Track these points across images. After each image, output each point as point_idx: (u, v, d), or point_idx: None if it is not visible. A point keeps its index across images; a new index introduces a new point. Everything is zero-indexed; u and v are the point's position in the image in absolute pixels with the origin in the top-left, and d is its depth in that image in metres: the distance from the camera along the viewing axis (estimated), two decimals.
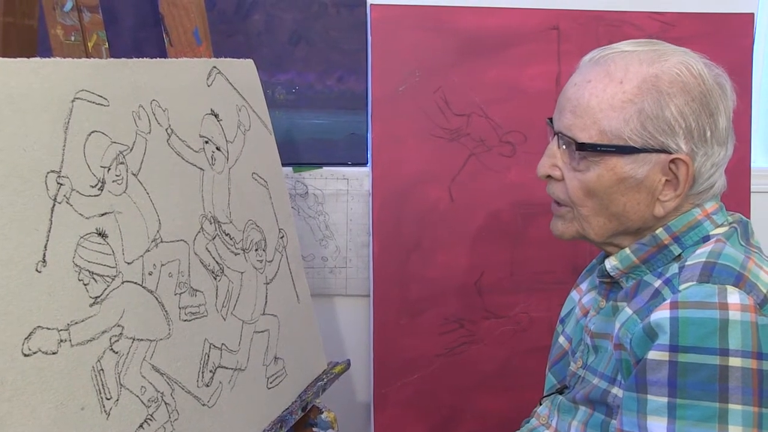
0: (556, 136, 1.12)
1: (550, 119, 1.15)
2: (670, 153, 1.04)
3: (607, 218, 1.10)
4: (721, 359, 0.93)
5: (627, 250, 1.11)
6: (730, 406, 0.93)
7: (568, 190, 1.11)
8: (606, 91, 1.06)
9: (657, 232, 1.09)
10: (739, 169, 1.92)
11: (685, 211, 1.09)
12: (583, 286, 1.30)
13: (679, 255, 1.08)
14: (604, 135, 1.05)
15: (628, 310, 1.05)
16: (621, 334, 1.04)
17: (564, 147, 1.10)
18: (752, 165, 1.95)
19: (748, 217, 1.91)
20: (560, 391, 1.22)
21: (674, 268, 1.05)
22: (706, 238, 1.08)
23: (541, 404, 1.25)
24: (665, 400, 0.95)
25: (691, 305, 0.96)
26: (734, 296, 0.95)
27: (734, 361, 0.93)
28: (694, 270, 1.01)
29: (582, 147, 1.06)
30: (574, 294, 1.32)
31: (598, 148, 1.06)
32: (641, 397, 0.97)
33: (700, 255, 1.04)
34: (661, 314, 0.97)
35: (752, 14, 1.92)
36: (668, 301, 0.98)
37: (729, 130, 1.08)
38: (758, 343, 0.93)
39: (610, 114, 1.05)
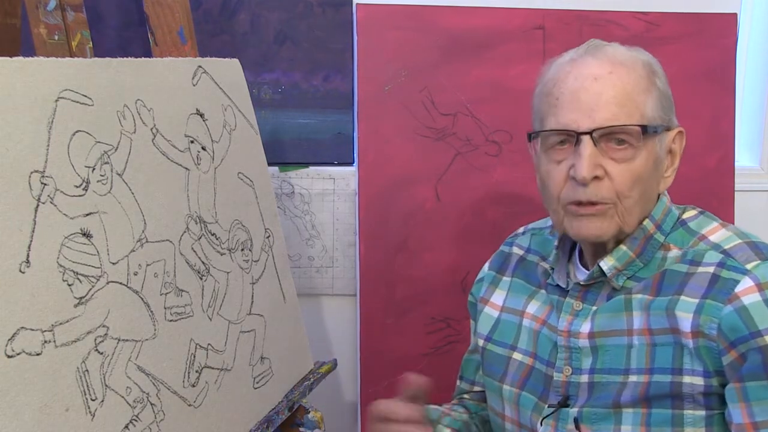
0: (588, 137, 1.06)
1: (554, 131, 1.10)
2: (673, 128, 1.12)
3: (642, 206, 1.12)
4: None
5: (623, 247, 1.12)
6: None
7: (616, 184, 1.07)
8: (631, 77, 1.08)
9: (644, 223, 1.12)
10: (723, 167, 1.93)
11: (659, 199, 1.15)
12: (498, 300, 1.31)
13: (663, 241, 1.13)
14: (645, 118, 1.08)
15: (690, 300, 1.06)
16: (702, 321, 1.03)
17: (603, 144, 1.07)
18: (737, 164, 1.97)
19: (732, 215, 1.93)
20: (563, 405, 1.14)
21: (712, 255, 1.07)
22: (682, 222, 1.14)
23: (541, 425, 1.17)
24: None
25: None
26: None
27: None
28: (743, 250, 1.06)
29: (646, 130, 1.07)
30: (489, 310, 1.32)
31: (656, 130, 1.08)
32: None
33: (728, 240, 1.09)
34: (754, 297, 1.01)
35: (735, 14, 1.93)
36: (752, 284, 1.02)
37: None
38: None
39: (644, 97, 1.08)
